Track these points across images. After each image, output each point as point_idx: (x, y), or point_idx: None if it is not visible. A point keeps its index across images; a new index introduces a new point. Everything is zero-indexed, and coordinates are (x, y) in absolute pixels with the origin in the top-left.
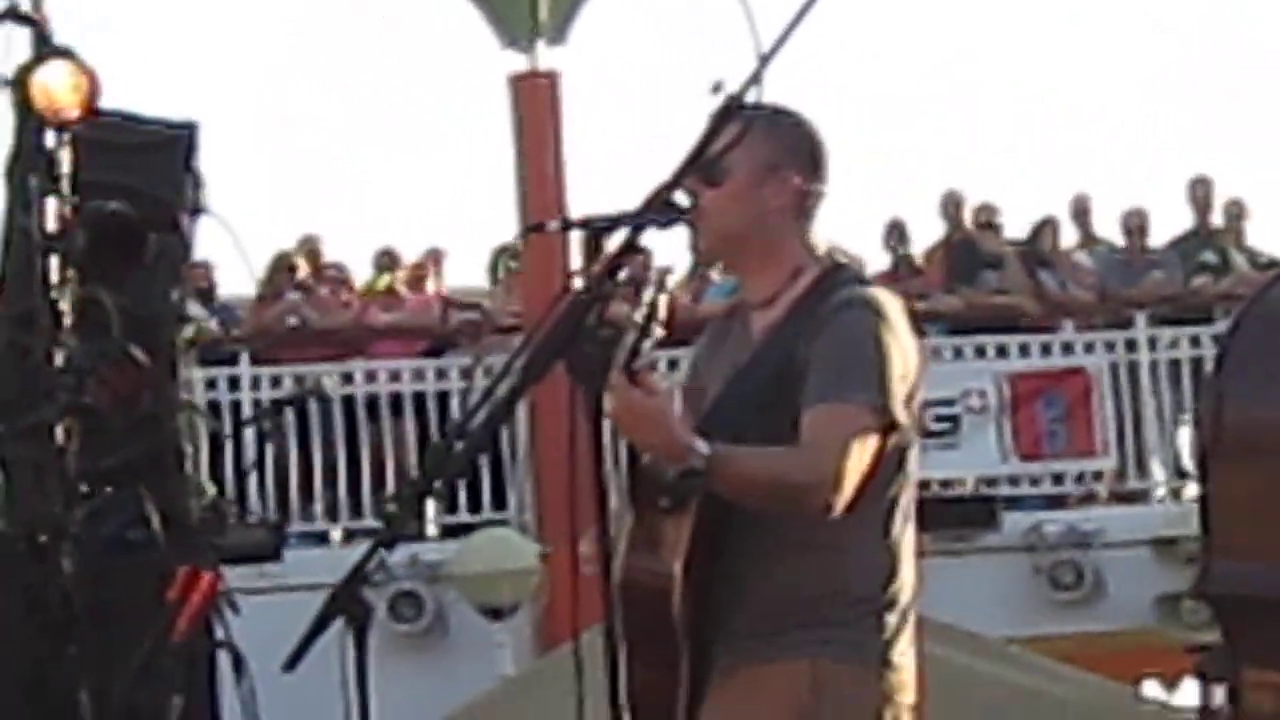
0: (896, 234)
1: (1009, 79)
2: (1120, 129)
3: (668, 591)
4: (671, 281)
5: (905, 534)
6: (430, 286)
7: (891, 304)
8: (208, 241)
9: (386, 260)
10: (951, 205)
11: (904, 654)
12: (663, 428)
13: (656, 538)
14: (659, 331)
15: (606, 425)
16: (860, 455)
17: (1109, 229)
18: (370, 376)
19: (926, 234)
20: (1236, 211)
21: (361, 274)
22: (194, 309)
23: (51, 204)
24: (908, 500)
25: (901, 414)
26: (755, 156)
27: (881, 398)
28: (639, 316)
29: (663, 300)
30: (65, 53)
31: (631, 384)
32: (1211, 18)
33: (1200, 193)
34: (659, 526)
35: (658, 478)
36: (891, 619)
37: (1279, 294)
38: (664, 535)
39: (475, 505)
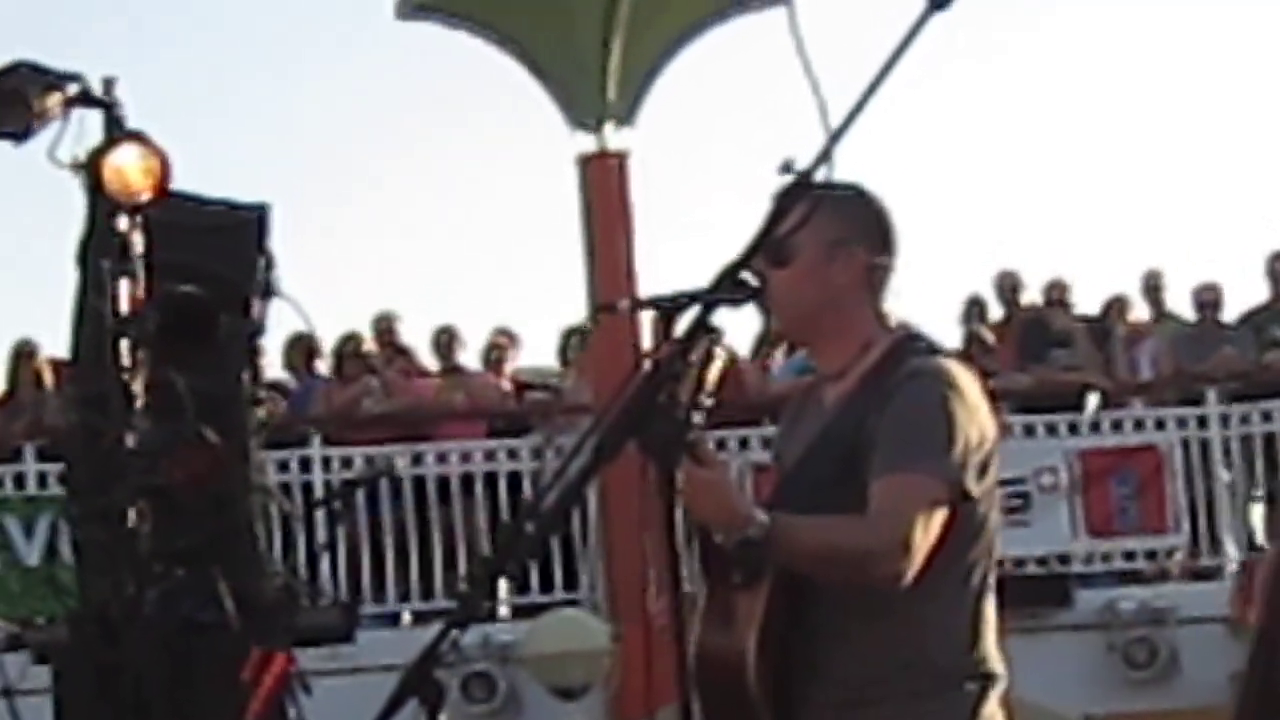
0: (976, 310)
1: (1082, 154)
2: (1195, 202)
3: (744, 666)
4: (720, 351)
5: (985, 601)
6: (505, 367)
7: (962, 374)
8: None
9: (445, 338)
10: (1007, 284)
11: (990, 718)
12: (719, 499)
13: (730, 613)
14: (708, 401)
15: (679, 504)
16: (928, 524)
17: (1181, 304)
18: (441, 457)
19: (997, 311)
20: None
21: (427, 355)
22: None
23: (124, 286)
24: (986, 568)
25: (973, 483)
26: (821, 234)
27: (950, 467)
28: (688, 387)
29: (712, 370)
30: (137, 135)
31: (687, 455)
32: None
33: (1278, 268)
34: (732, 602)
35: (728, 553)
36: (973, 686)
37: None
38: (737, 610)
39: (547, 586)
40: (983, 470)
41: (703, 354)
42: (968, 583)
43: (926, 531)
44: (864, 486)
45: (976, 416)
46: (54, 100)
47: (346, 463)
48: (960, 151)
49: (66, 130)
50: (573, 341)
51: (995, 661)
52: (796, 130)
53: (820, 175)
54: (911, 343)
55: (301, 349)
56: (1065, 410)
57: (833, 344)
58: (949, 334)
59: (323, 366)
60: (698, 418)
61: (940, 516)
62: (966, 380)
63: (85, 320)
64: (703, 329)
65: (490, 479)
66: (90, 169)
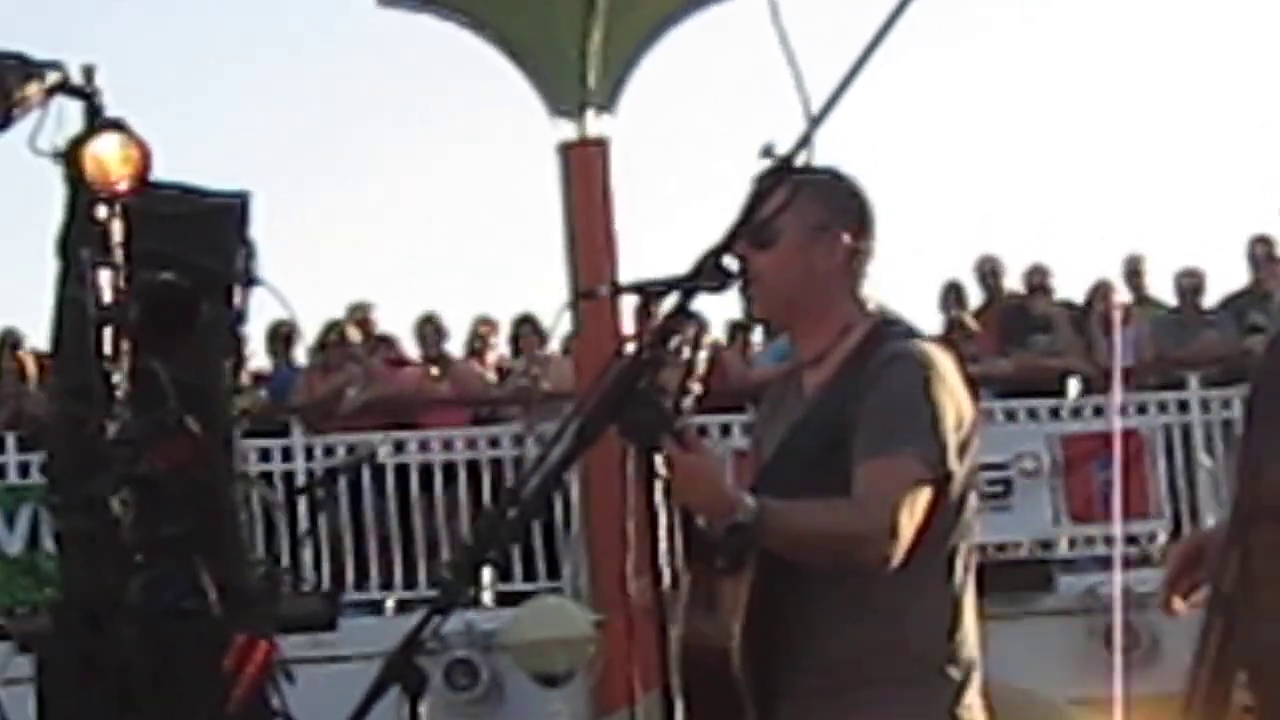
0: (954, 295)
1: (1063, 139)
2: (1176, 187)
3: (727, 651)
4: (708, 339)
5: (966, 586)
6: (488, 355)
7: (941, 357)
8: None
9: (428, 327)
10: (987, 269)
11: (970, 707)
12: (708, 485)
13: (714, 598)
14: (697, 389)
15: (659, 489)
16: (914, 507)
17: (1163, 289)
18: (423, 445)
19: (978, 296)
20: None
21: (410, 343)
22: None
23: (105, 276)
24: (966, 552)
25: (955, 465)
26: (804, 218)
27: (933, 449)
28: (677, 375)
29: (700, 358)
30: (117, 125)
31: (676, 442)
32: (1267, 76)
33: (1261, 251)
34: (716, 587)
35: (712, 538)
36: (955, 672)
37: None
38: (722, 596)
39: (530, 573)
40: (962, 452)
41: (691, 341)
42: (949, 568)
43: (913, 514)
44: (846, 470)
45: (956, 398)
46: (34, 89)
47: (328, 451)
48: (940, 136)
49: (46, 119)
50: (524, 330)
51: (974, 648)
52: (777, 115)
53: (800, 159)
54: (889, 326)
55: (283, 335)
56: (1046, 395)
57: (813, 328)
58: (928, 320)
59: (302, 354)
60: (687, 404)
61: (925, 499)
62: (945, 362)
63: (66, 310)
64: (684, 314)
65: (472, 466)
66: (70, 158)
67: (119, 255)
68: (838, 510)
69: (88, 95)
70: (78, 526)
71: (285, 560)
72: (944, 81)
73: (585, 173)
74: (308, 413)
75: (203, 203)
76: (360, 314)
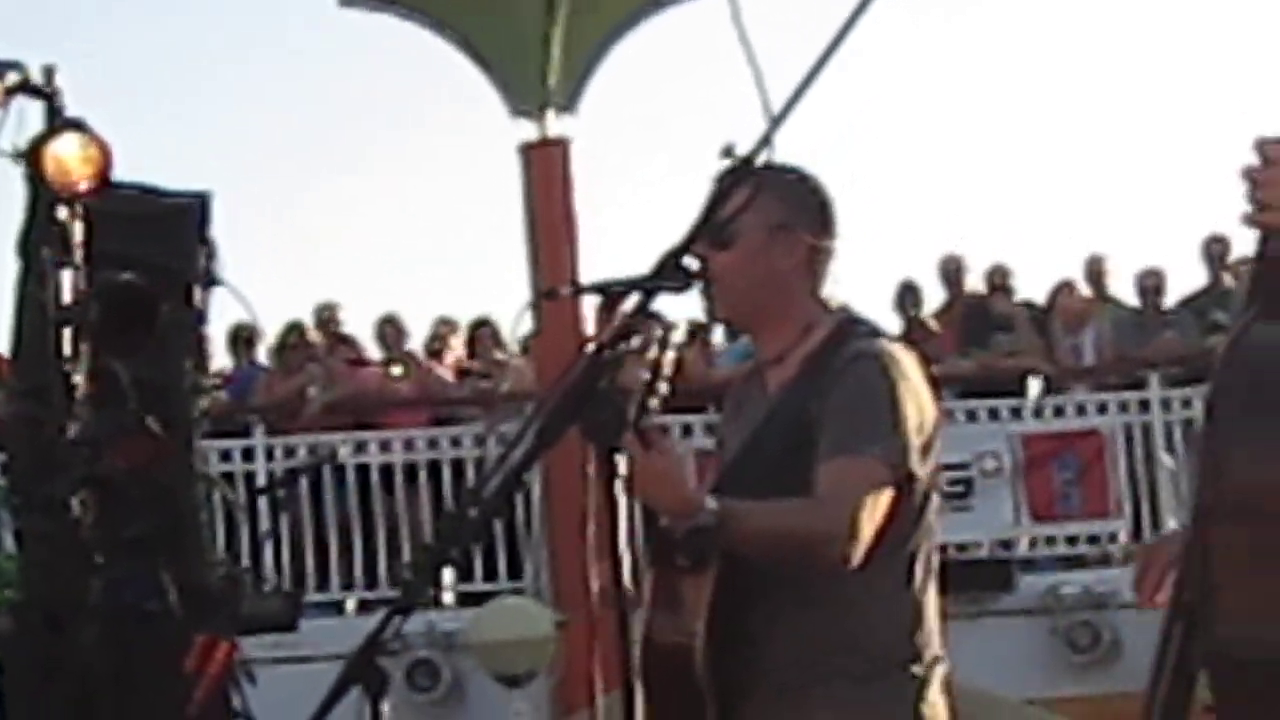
0: (910, 296)
1: (1023, 139)
2: (1136, 187)
3: (690, 650)
4: (676, 339)
5: (928, 585)
6: (446, 356)
7: (905, 356)
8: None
9: (388, 328)
10: (951, 268)
11: (933, 705)
12: (671, 485)
13: (677, 597)
14: (664, 389)
15: (620, 489)
16: (875, 507)
17: (1125, 289)
18: (384, 445)
19: (938, 297)
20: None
21: (371, 343)
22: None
23: (65, 276)
24: (928, 552)
25: (917, 466)
26: (765, 218)
27: (896, 450)
28: (644, 375)
29: (668, 358)
30: (77, 125)
31: (640, 442)
32: (1229, 75)
33: (1216, 251)
34: (679, 586)
35: (675, 538)
36: (917, 670)
37: (1255, 342)
38: (684, 595)
39: (491, 574)
40: (925, 452)
41: (659, 341)
42: (910, 566)
43: (873, 515)
44: (809, 470)
45: (920, 399)
46: None
47: (289, 451)
48: (902, 137)
49: (6, 119)
50: (481, 332)
51: (938, 646)
52: (737, 115)
53: (760, 159)
54: (853, 326)
55: (244, 337)
56: (1007, 395)
57: (774, 327)
58: (884, 320)
59: (263, 355)
60: (653, 405)
61: (886, 499)
62: (909, 363)
63: (26, 310)
64: (644, 314)
65: (433, 467)
66: (30, 158)
67: (79, 255)
68: (799, 510)
69: (48, 95)
70: (37, 527)
71: (246, 561)
72: (904, 80)
73: (546, 173)
74: (269, 413)
75: (163, 203)
76: (327, 314)
